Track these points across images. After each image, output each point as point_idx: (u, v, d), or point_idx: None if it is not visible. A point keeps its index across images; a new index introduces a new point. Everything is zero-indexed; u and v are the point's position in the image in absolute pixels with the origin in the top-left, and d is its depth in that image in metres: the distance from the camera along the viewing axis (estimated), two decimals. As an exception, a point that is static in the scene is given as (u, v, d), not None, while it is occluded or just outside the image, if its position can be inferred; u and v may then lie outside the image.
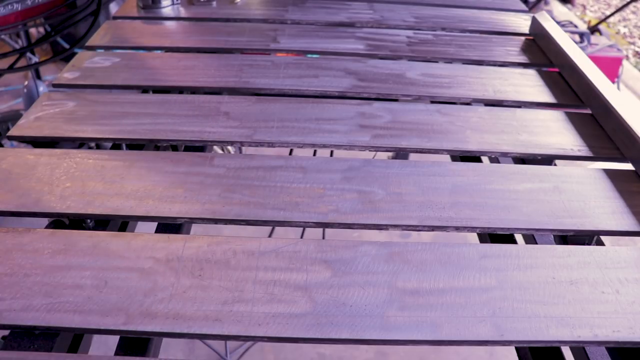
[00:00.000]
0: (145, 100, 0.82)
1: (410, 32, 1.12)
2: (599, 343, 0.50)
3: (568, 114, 0.84)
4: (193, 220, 0.62)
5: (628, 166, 0.73)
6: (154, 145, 0.83)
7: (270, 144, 0.75)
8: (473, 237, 1.77)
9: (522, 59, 1.03)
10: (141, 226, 0.68)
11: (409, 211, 0.63)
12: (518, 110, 0.85)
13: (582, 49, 2.02)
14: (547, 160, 0.80)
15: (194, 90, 0.95)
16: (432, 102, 0.90)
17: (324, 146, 0.75)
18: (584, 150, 0.76)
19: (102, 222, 0.67)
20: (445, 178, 0.69)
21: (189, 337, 0.49)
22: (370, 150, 0.76)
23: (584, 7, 5.08)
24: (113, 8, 2.26)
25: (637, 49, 4.29)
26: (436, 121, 0.81)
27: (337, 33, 1.09)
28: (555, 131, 0.80)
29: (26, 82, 1.78)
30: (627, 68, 3.63)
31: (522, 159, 0.81)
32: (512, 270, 0.56)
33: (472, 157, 0.87)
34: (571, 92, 0.91)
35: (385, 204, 0.64)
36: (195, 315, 0.50)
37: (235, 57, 0.97)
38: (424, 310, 0.51)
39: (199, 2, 1.19)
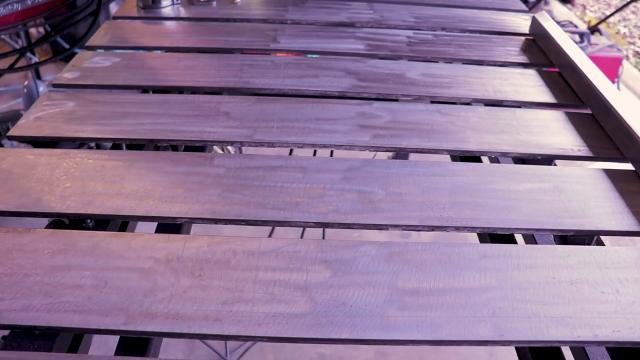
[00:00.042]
0: (145, 100, 0.82)
1: (410, 32, 1.12)
2: (599, 343, 0.50)
3: (568, 114, 0.84)
4: (193, 220, 0.62)
5: (628, 166, 0.73)
6: (154, 145, 0.83)
7: (270, 144, 0.75)
8: (473, 237, 1.77)
9: (522, 59, 1.03)
10: (141, 226, 0.68)
11: (409, 211, 0.63)
12: (518, 110, 0.85)
13: (582, 49, 2.02)
14: (547, 160, 0.80)
15: (194, 90, 0.95)
16: (432, 102, 0.90)
17: (324, 146, 0.75)
18: (584, 150, 0.76)
19: (102, 222, 0.67)
20: (445, 178, 0.69)
21: (189, 337, 0.49)
22: (370, 150, 0.76)
23: (584, 7, 5.08)
24: (113, 8, 2.26)
25: (637, 49, 4.29)
26: (436, 121, 0.81)
27: (337, 33, 1.09)
28: (555, 131, 0.80)
29: (26, 82, 1.78)
30: (627, 68, 3.63)
31: (522, 159, 0.81)
32: (512, 270, 0.56)
33: (472, 157, 0.87)
34: (571, 92, 0.91)
35: (385, 204, 0.64)
36: (195, 315, 0.50)
37: (235, 57, 0.97)
38: (424, 310, 0.51)
39: (199, 2, 1.19)
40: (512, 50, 1.06)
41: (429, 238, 1.82)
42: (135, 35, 1.04)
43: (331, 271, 0.55)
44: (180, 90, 0.94)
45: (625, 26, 4.72)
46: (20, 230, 0.58)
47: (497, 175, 0.70)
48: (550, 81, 0.94)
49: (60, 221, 0.66)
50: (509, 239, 0.71)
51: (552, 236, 0.70)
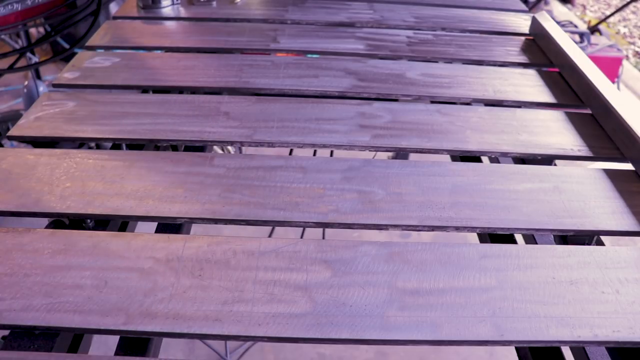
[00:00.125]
0: (145, 100, 0.82)
1: (410, 32, 1.12)
2: (599, 343, 0.50)
3: (568, 114, 0.84)
4: (193, 220, 0.62)
5: (628, 166, 0.73)
6: (154, 145, 0.83)
7: (270, 144, 0.75)
8: (473, 237, 1.77)
9: (522, 59, 1.03)
10: (141, 226, 0.68)
11: (409, 211, 0.63)
12: (518, 110, 0.85)
13: (582, 49, 2.02)
14: (547, 160, 0.80)
15: (194, 90, 0.95)
16: (432, 102, 0.90)
17: (324, 146, 0.75)
18: (584, 150, 0.76)
19: (102, 222, 0.67)
20: (445, 178, 0.69)
21: (189, 337, 0.49)
22: (370, 150, 0.76)
23: (584, 7, 5.08)
24: (113, 8, 2.26)
25: (637, 49, 4.29)
26: (436, 121, 0.81)
27: (337, 33, 1.09)
28: (555, 131, 0.80)
29: (26, 82, 1.78)
30: (627, 68, 3.63)
31: (522, 159, 0.81)
32: (512, 270, 0.56)
33: (472, 157, 0.87)
34: (571, 92, 0.91)
35: (385, 204, 0.64)
36: (195, 315, 0.50)
37: (235, 57, 0.97)
38: (424, 310, 0.51)
39: (199, 2, 1.19)
40: (512, 50, 1.06)
41: (429, 238, 1.82)
42: (135, 35, 1.04)
43: (331, 271, 0.55)
44: (180, 90, 0.94)
45: (625, 26, 4.72)
46: (20, 230, 0.58)
47: (497, 175, 0.70)
48: (550, 81, 0.94)
49: (60, 221, 0.66)
50: (509, 239, 0.71)
51: (552, 236, 0.70)
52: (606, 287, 0.55)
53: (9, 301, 0.50)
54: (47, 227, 0.64)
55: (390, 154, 1.95)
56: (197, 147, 0.83)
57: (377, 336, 0.49)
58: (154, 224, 0.67)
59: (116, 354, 0.55)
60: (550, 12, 2.88)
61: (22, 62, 1.68)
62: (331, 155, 1.07)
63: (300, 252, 0.57)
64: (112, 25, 1.08)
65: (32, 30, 2.80)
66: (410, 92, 0.89)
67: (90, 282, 0.52)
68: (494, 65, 1.01)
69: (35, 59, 1.91)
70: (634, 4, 4.64)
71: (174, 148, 0.86)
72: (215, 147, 1.72)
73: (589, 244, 0.66)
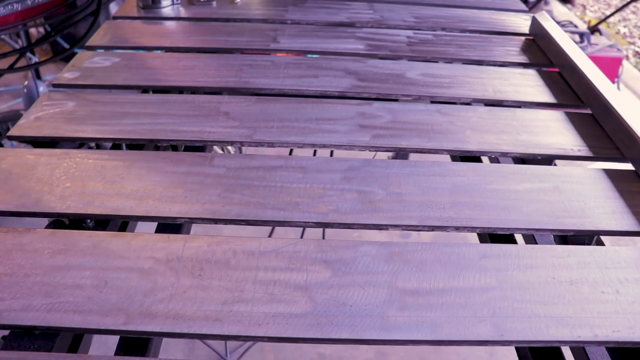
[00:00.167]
0: (145, 100, 0.82)
1: (410, 32, 1.12)
2: (599, 343, 0.50)
3: (568, 114, 0.84)
4: (193, 220, 0.62)
5: (628, 166, 0.73)
6: (154, 145, 0.83)
7: (270, 144, 0.75)
8: (473, 237, 1.77)
9: (522, 59, 1.03)
10: (141, 226, 0.68)
11: (409, 211, 0.63)
12: (518, 110, 0.85)
13: (582, 49, 2.02)
14: (547, 160, 0.80)
15: (194, 90, 0.95)
16: (432, 102, 0.90)
17: (324, 146, 0.75)
18: (584, 150, 0.76)
19: (102, 222, 0.67)
20: (445, 178, 0.69)
21: (189, 337, 0.49)
22: (370, 150, 0.76)
23: (584, 7, 5.08)
24: (113, 8, 2.26)
25: (637, 49, 4.29)
26: (436, 121, 0.81)
27: (337, 33, 1.09)
28: (555, 131, 0.80)
29: (26, 82, 1.78)
30: (627, 68, 3.63)
31: (522, 159, 0.81)
32: (512, 270, 0.56)
33: (472, 157, 0.87)
34: (571, 92, 0.91)
35: (385, 204, 0.64)
36: (195, 315, 0.50)
37: (235, 57, 0.97)
38: (424, 310, 0.51)
39: (199, 2, 1.19)
40: (512, 50, 1.06)
41: (429, 238, 1.82)
42: (135, 35, 1.04)
43: (331, 271, 0.55)
44: (180, 90, 0.94)
45: (625, 26, 4.72)
46: (20, 230, 0.58)
47: (497, 175, 0.70)
48: (550, 81, 0.94)
49: (60, 221, 0.66)
50: (509, 239, 0.71)
51: (552, 236, 0.70)
52: (606, 287, 0.55)
53: (9, 301, 0.50)
54: (47, 227, 0.64)
55: (390, 154, 1.95)
56: (197, 147, 0.83)
57: (377, 336, 0.49)
58: (154, 224, 0.67)
59: (116, 354, 0.55)
60: (550, 12, 2.88)
61: (22, 62, 1.68)
62: (331, 155, 1.07)
63: (300, 252, 0.57)
64: (112, 25, 1.08)
65: (32, 30, 2.80)
66: (410, 92, 0.89)
67: (90, 282, 0.52)
68: (494, 65, 1.01)
69: (35, 59, 1.91)
70: (634, 4, 4.64)
71: (174, 148, 0.86)
72: (215, 147, 1.72)
73: (589, 244, 0.66)
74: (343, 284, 0.54)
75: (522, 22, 1.20)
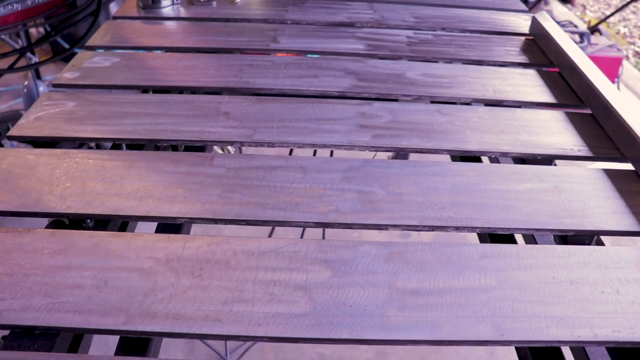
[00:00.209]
0: (145, 100, 0.82)
1: (410, 32, 1.12)
2: (599, 343, 0.50)
3: (568, 114, 0.84)
4: (193, 220, 0.62)
5: (628, 166, 0.73)
6: (154, 145, 0.83)
7: (270, 144, 0.75)
8: (473, 237, 1.77)
9: (522, 59, 1.03)
10: (141, 226, 0.68)
11: (409, 211, 0.63)
12: (518, 110, 0.85)
13: (582, 49, 2.02)
14: (547, 160, 0.80)
15: (194, 90, 0.95)
16: (432, 102, 0.90)
17: (324, 146, 0.75)
18: (584, 150, 0.76)
19: (102, 222, 0.67)
20: (445, 178, 0.69)
21: (189, 337, 0.49)
22: (370, 150, 0.76)
23: (584, 7, 5.08)
24: (113, 8, 2.26)
25: (637, 49, 4.29)
26: (436, 121, 0.81)
27: (337, 33, 1.09)
28: (555, 131, 0.80)
29: (26, 82, 1.78)
30: (627, 68, 3.63)
31: (522, 159, 0.81)
32: (512, 270, 0.56)
33: (472, 157, 0.87)
34: (571, 92, 0.91)
35: (385, 204, 0.64)
36: (195, 315, 0.50)
37: (235, 57, 0.97)
38: (424, 310, 0.51)
39: (199, 2, 1.19)
40: (512, 50, 1.06)
41: (429, 238, 1.82)
42: (135, 35, 1.04)
43: (331, 271, 0.55)
44: (180, 90, 0.94)
45: (625, 26, 4.72)
46: (20, 230, 0.58)
47: (497, 175, 0.70)
48: (550, 81, 0.94)
49: (60, 221, 0.66)
50: (509, 239, 0.71)
51: (552, 236, 0.70)
52: (606, 287, 0.55)
53: (9, 301, 0.50)
54: (47, 227, 0.64)
55: (390, 154, 1.95)
56: (197, 147, 0.83)
57: (377, 336, 0.49)
58: (154, 224, 0.67)
59: (116, 354, 0.55)
60: (550, 12, 2.88)
61: (22, 62, 1.68)
62: (331, 155, 1.07)
63: (300, 252, 0.57)
64: (112, 25, 1.08)
65: (32, 30, 2.80)
66: (410, 92, 0.89)
67: (90, 282, 0.52)
68: (494, 65, 1.01)
69: (35, 59, 1.91)
70: (634, 4, 4.64)
71: (174, 148, 0.86)
72: (215, 147, 1.72)
73: (589, 244, 0.66)
74: (343, 284, 0.54)
75: (522, 22, 1.20)
